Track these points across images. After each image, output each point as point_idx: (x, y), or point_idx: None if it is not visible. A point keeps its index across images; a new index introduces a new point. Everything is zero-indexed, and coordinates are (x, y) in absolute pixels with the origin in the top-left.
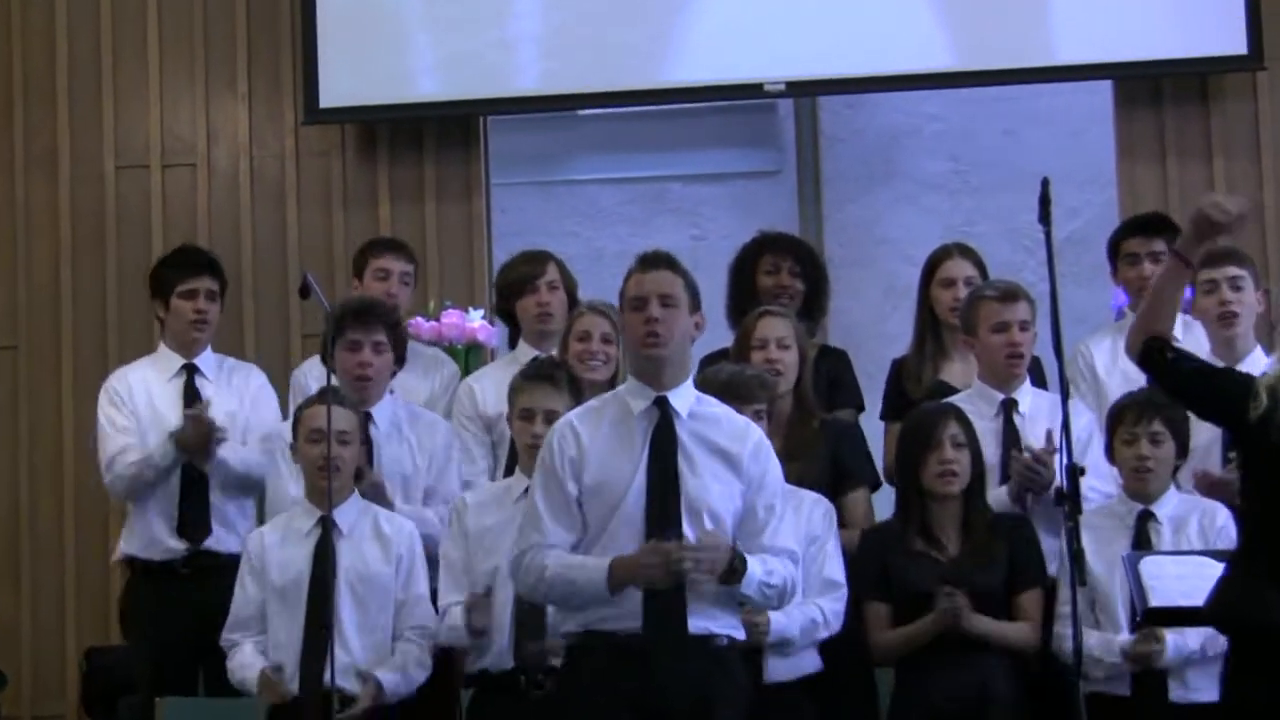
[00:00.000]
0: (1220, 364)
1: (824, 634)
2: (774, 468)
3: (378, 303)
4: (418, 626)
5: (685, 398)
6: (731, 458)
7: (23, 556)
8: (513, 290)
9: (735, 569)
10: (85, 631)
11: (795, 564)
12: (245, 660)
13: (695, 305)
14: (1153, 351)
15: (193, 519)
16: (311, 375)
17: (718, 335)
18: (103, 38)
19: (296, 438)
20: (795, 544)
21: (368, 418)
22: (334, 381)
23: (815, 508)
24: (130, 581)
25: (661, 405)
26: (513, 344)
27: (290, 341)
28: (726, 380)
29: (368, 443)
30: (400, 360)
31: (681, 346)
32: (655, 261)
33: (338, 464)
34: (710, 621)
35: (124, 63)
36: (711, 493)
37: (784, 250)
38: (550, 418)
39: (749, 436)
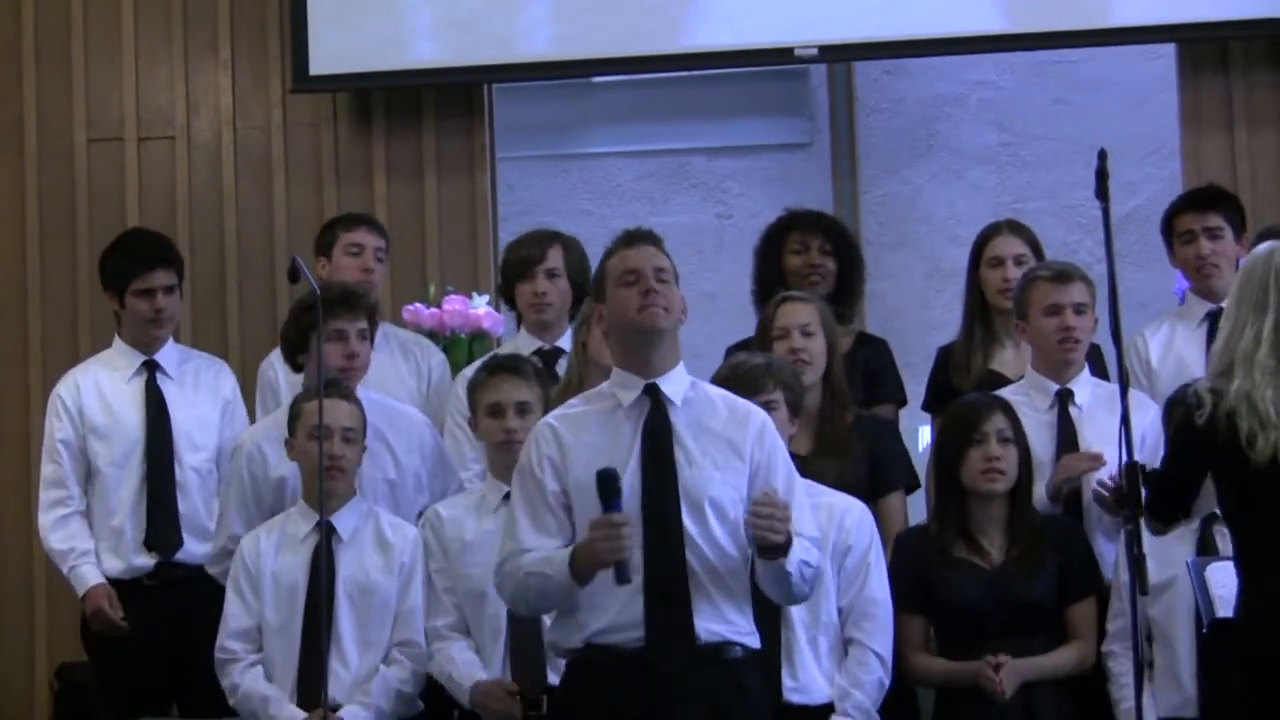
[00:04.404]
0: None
1: (888, 682)
2: (782, 451)
3: (359, 288)
4: (407, 642)
5: (678, 383)
6: (733, 443)
7: None
8: (511, 274)
9: (786, 541)
10: (56, 647)
11: (820, 550)
12: (257, 692)
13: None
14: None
15: (161, 531)
16: (280, 367)
17: (746, 323)
18: None
19: (295, 434)
20: (816, 529)
21: None
22: (316, 374)
23: (848, 514)
24: None
25: (652, 393)
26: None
27: (277, 330)
28: (728, 373)
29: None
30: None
31: (677, 325)
32: (642, 237)
33: (342, 464)
34: (722, 626)
35: (96, 25)
36: (714, 482)
37: (812, 226)
38: (522, 409)
39: (751, 420)
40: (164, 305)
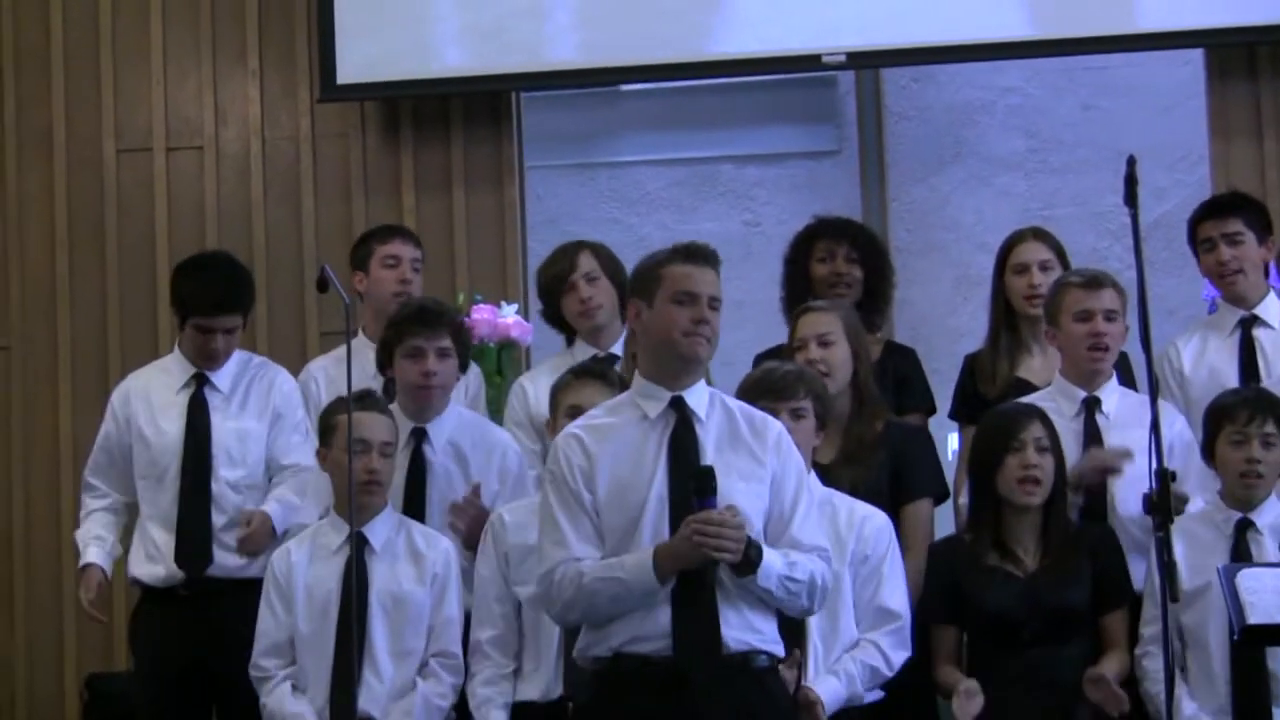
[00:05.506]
0: None
1: (886, 675)
2: (795, 460)
3: (440, 303)
4: (443, 653)
5: (700, 396)
6: (754, 454)
7: (17, 576)
8: (551, 293)
9: (750, 558)
10: (86, 657)
11: (827, 561)
12: (282, 711)
13: None
14: None
15: (193, 547)
16: (321, 379)
17: (774, 331)
18: (101, 7)
19: (329, 445)
20: (825, 540)
21: (421, 434)
22: (358, 386)
23: (867, 522)
24: (137, 605)
25: (678, 406)
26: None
27: (307, 339)
28: (759, 377)
29: (419, 461)
30: (464, 367)
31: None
32: (706, 257)
33: (380, 478)
34: (750, 635)
35: (124, 35)
36: (738, 492)
37: (838, 234)
38: None
39: (769, 430)
40: (218, 346)
